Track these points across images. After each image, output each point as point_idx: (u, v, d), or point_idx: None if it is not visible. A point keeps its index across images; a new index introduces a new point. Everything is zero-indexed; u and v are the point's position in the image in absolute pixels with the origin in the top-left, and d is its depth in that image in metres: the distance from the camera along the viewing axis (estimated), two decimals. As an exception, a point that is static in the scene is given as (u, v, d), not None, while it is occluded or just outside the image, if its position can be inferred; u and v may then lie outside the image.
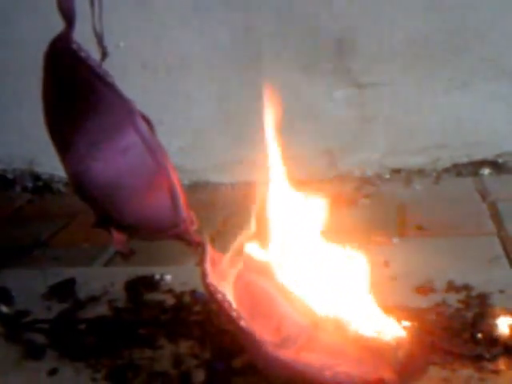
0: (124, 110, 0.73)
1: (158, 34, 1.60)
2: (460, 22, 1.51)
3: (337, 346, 0.76)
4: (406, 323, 0.84)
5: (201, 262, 0.77)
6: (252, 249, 0.84)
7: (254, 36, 1.57)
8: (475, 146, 1.59)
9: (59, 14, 0.73)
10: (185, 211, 0.77)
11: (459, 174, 1.59)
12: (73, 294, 1.07)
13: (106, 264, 1.24)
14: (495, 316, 0.88)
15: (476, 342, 0.83)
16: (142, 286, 1.06)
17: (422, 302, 0.96)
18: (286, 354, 0.72)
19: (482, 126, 1.56)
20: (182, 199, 0.77)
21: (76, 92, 0.73)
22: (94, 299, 1.04)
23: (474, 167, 1.59)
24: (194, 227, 0.79)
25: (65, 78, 0.73)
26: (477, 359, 0.80)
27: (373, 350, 0.75)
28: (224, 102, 1.62)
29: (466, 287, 1.00)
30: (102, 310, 1.01)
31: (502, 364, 0.80)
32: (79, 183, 0.75)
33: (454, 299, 0.96)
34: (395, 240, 1.23)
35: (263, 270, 0.82)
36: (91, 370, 0.85)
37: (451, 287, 1.01)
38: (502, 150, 1.57)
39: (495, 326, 0.85)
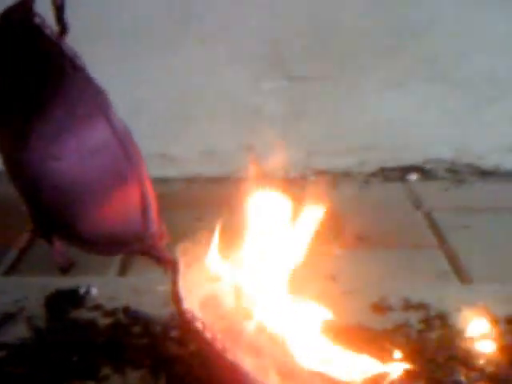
0: (96, 100, 0.66)
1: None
2: (398, 20, 1.53)
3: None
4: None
5: (173, 285, 0.72)
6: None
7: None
8: (404, 149, 1.62)
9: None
10: (155, 224, 0.72)
11: (386, 179, 1.62)
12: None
13: (8, 272, 1.15)
14: (464, 339, 0.90)
15: (451, 367, 0.84)
16: (65, 301, 0.98)
17: (382, 322, 0.96)
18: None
19: (412, 130, 1.60)
20: (154, 211, 0.71)
21: (36, 74, 0.65)
22: (8, 317, 0.95)
23: (401, 172, 1.63)
24: (164, 242, 0.74)
25: (22, 56, 0.65)
26: (456, 385, 0.82)
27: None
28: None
29: (423, 306, 1.01)
30: (20, 330, 0.92)
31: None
32: (33, 182, 0.67)
33: (414, 319, 0.97)
34: (338, 251, 1.22)
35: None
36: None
37: (408, 306, 1.02)
38: (430, 155, 1.62)
39: (469, 350, 0.86)
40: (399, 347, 0.86)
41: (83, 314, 0.97)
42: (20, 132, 0.65)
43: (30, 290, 1.02)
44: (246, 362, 0.70)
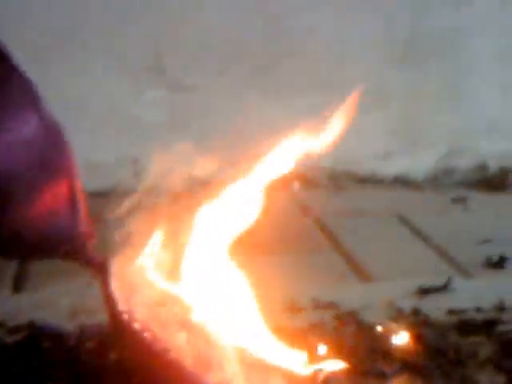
0: (24, 91, 0.62)
1: None
2: (276, 34, 1.57)
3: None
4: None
5: (104, 287, 0.69)
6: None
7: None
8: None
9: None
10: (84, 224, 0.68)
11: (270, 188, 1.64)
12: None
13: None
14: (378, 333, 0.92)
15: (373, 359, 0.87)
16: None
17: (297, 322, 0.97)
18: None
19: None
20: (83, 209, 0.68)
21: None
22: None
23: (284, 181, 1.66)
24: (92, 243, 0.70)
25: None
26: (379, 376, 0.84)
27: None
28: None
29: (332, 304, 1.04)
30: None
31: (403, 379, 0.84)
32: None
33: (327, 317, 0.99)
34: (237, 259, 1.22)
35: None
36: None
37: (318, 305, 1.04)
38: (312, 163, 1.67)
39: (385, 342, 0.89)
40: (321, 343, 0.87)
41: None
42: None
43: None
44: (187, 361, 0.68)
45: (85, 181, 1.65)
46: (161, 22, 1.50)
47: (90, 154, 1.54)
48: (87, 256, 0.70)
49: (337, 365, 0.78)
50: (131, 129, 1.55)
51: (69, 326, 0.92)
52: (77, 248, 0.69)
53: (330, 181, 1.67)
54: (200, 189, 1.65)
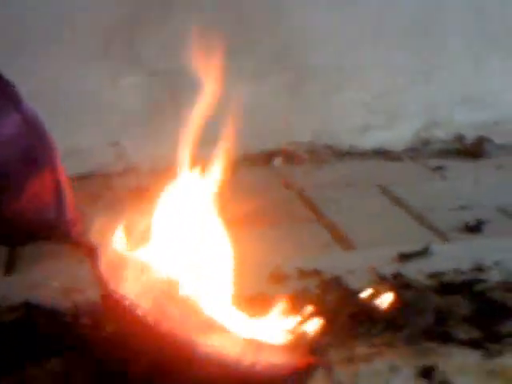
0: (4, 92, 0.66)
1: None
2: (254, 18, 1.61)
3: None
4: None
5: (94, 268, 0.73)
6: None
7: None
8: (265, 135, 1.70)
9: None
10: (70, 211, 0.72)
11: (252, 164, 1.69)
12: None
13: None
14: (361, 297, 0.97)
15: (357, 321, 0.91)
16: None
17: (282, 290, 1.01)
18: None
19: (274, 116, 1.68)
20: (68, 197, 0.72)
21: None
22: None
23: (265, 157, 1.70)
24: (79, 229, 0.74)
25: None
26: (364, 336, 0.88)
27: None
28: None
29: (316, 272, 1.08)
30: None
31: (388, 338, 0.89)
32: None
33: (311, 285, 1.03)
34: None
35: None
36: None
37: (303, 274, 1.08)
38: (292, 139, 1.71)
39: (373, 304, 0.94)
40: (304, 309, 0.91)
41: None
42: None
43: None
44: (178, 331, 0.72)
45: (69, 165, 1.68)
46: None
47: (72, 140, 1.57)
48: (76, 240, 0.74)
49: (320, 326, 0.82)
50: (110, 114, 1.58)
51: (63, 304, 0.95)
52: (65, 233, 0.73)
53: (310, 155, 1.71)
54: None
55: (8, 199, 0.69)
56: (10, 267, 1.13)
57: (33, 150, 0.69)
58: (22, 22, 1.52)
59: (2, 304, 0.96)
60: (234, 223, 1.32)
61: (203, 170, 1.31)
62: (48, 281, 1.03)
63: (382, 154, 1.76)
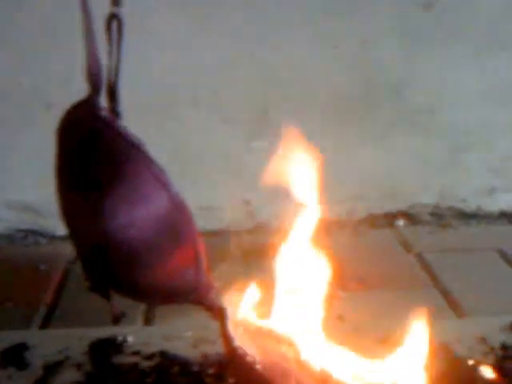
0: (157, 177, 0.81)
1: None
2: (379, 79, 1.73)
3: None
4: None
5: (223, 328, 0.87)
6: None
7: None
8: (390, 197, 1.80)
9: (86, 80, 0.80)
10: (206, 276, 0.87)
11: (374, 226, 1.79)
12: (24, 360, 1.10)
13: (42, 327, 1.28)
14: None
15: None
16: (106, 348, 1.12)
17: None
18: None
19: (396, 178, 1.78)
20: (204, 264, 0.86)
21: (105, 161, 0.80)
22: (57, 365, 1.08)
23: (388, 218, 1.80)
24: (213, 292, 0.89)
25: (90, 144, 0.81)
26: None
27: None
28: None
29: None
30: (70, 375, 1.06)
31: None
32: (104, 248, 0.82)
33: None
34: (342, 294, 1.38)
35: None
36: None
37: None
38: (414, 201, 1.80)
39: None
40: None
41: (124, 359, 1.10)
42: (96, 206, 0.80)
43: (70, 340, 1.16)
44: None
45: (202, 223, 1.86)
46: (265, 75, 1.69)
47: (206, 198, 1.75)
48: (209, 303, 0.89)
49: None
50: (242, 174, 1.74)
51: (193, 354, 1.11)
52: (200, 297, 0.88)
53: (433, 217, 1.79)
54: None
55: (152, 265, 0.84)
56: (149, 318, 1.30)
57: (176, 227, 0.84)
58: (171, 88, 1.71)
59: (143, 350, 1.13)
60: (348, 284, 1.45)
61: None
62: (181, 332, 1.19)
63: (507, 217, 1.82)
